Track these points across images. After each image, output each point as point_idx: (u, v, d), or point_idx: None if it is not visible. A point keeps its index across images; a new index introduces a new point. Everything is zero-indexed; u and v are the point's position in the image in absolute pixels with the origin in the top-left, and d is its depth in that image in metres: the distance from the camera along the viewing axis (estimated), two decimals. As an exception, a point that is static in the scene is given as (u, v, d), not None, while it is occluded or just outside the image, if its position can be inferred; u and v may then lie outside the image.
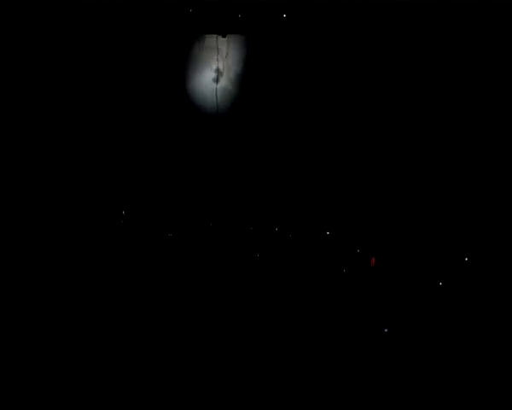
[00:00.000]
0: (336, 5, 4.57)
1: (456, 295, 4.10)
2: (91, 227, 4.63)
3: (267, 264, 4.48)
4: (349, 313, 4.06)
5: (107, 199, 4.78)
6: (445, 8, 4.32)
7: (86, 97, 4.75)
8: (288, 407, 3.36)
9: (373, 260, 4.38)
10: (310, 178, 4.66)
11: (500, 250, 4.17)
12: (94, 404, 3.27)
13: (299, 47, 4.73)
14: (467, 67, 4.41)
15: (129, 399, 3.32)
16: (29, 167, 4.63)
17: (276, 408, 3.36)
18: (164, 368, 3.53)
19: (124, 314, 3.98)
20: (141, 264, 4.43)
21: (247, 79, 4.90)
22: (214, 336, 3.83)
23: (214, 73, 4.87)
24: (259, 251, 4.55)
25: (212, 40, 4.85)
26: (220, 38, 4.85)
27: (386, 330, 3.89)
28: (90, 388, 3.35)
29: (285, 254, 4.53)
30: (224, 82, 4.92)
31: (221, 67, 4.90)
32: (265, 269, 4.43)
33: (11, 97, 4.57)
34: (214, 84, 4.86)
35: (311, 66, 4.73)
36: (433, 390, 3.45)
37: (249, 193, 4.71)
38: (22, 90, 4.61)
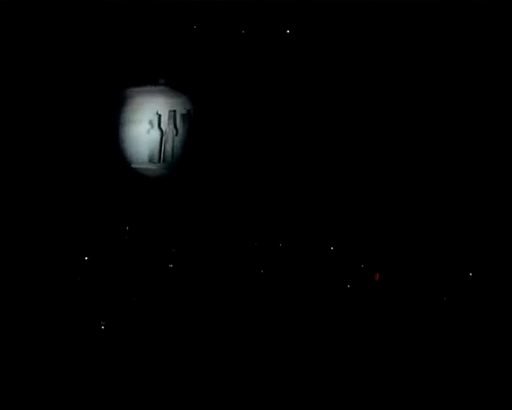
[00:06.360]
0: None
1: (460, 310, 4.11)
2: (96, 242, 4.63)
3: (271, 280, 4.47)
4: (353, 329, 4.05)
5: (112, 215, 4.79)
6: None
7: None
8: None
9: (377, 275, 4.39)
10: (314, 193, 4.69)
11: (505, 269, 4.20)
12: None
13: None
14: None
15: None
16: (30, 180, 4.69)
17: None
18: (166, 385, 3.50)
19: (127, 330, 3.96)
20: (144, 280, 4.42)
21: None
22: (218, 352, 3.80)
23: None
24: (263, 267, 4.55)
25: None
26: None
27: None
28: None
29: (289, 270, 4.53)
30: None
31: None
32: (269, 285, 4.42)
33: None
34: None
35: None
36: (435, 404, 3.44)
37: (253, 208, 4.73)
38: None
